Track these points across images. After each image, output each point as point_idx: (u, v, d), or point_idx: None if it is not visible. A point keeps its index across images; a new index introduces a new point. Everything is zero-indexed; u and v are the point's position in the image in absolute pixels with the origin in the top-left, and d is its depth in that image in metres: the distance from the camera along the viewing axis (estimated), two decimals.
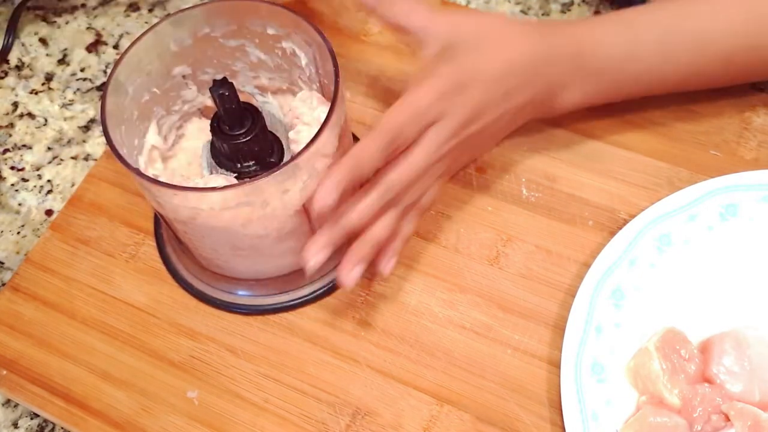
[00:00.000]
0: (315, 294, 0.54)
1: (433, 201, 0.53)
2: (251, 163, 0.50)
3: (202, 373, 0.52)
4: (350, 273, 0.47)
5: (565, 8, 0.70)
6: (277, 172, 0.43)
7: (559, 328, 0.52)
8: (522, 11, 0.71)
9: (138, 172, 0.45)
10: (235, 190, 0.44)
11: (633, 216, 0.54)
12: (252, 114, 0.48)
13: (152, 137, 0.52)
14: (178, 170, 0.53)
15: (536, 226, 0.56)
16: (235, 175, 0.50)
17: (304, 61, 0.51)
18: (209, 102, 0.55)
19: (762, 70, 0.55)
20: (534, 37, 0.50)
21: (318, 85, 0.52)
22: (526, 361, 0.51)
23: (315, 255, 0.46)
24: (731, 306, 0.51)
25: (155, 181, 0.45)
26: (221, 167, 0.50)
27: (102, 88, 0.68)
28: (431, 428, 0.49)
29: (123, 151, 0.46)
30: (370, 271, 0.54)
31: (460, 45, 0.49)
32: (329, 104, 0.46)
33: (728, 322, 0.50)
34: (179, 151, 0.54)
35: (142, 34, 0.48)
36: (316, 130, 0.44)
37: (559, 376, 0.48)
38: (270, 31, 0.51)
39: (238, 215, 0.46)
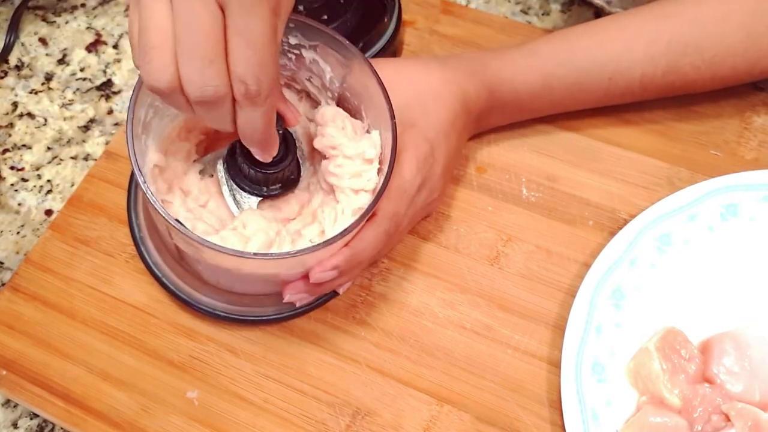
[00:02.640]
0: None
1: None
2: (278, 186, 0.50)
3: (202, 373, 0.52)
4: (292, 295, 0.49)
5: (565, 8, 0.70)
6: (323, 249, 0.44)
7: (559, 328, 0.52)
8: (522, 11, 0.71)
9: (175, 221, 0.42)
10: (283, 260, 0.44)
11: (633, 216, 0.54)
12: (286, 141, 0.47)
13: (153, 155, 0.49)
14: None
15: (536, 226, 0.56)
16: (259, 198, 0.50)
17: (328, 76, 0.50)
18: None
19: (681, 88, 0.57)
20: (459, 79, 0.54)
21: (330, 93, 0.51)
22: (526, 361, 0.51)
23: (289, 295, 0.49)
24: (731, 306, 0.51)
25: (199, 239, 0.42)
26: (244, 190, 0.50)
27: (102, 88, 0.68)
28: (431, 428, 0.49)
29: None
30: (369, 272, 0.55)
31: (407, 110, 0.51)
32: (369, 136, 0.47)
33: (728, 322, 0.50)
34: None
35: None
36: (359, 164, 0.45)
37: (559, 376, 0.48)
38: (293, 41, 0.49)
39: (257, 265, 0.46)
